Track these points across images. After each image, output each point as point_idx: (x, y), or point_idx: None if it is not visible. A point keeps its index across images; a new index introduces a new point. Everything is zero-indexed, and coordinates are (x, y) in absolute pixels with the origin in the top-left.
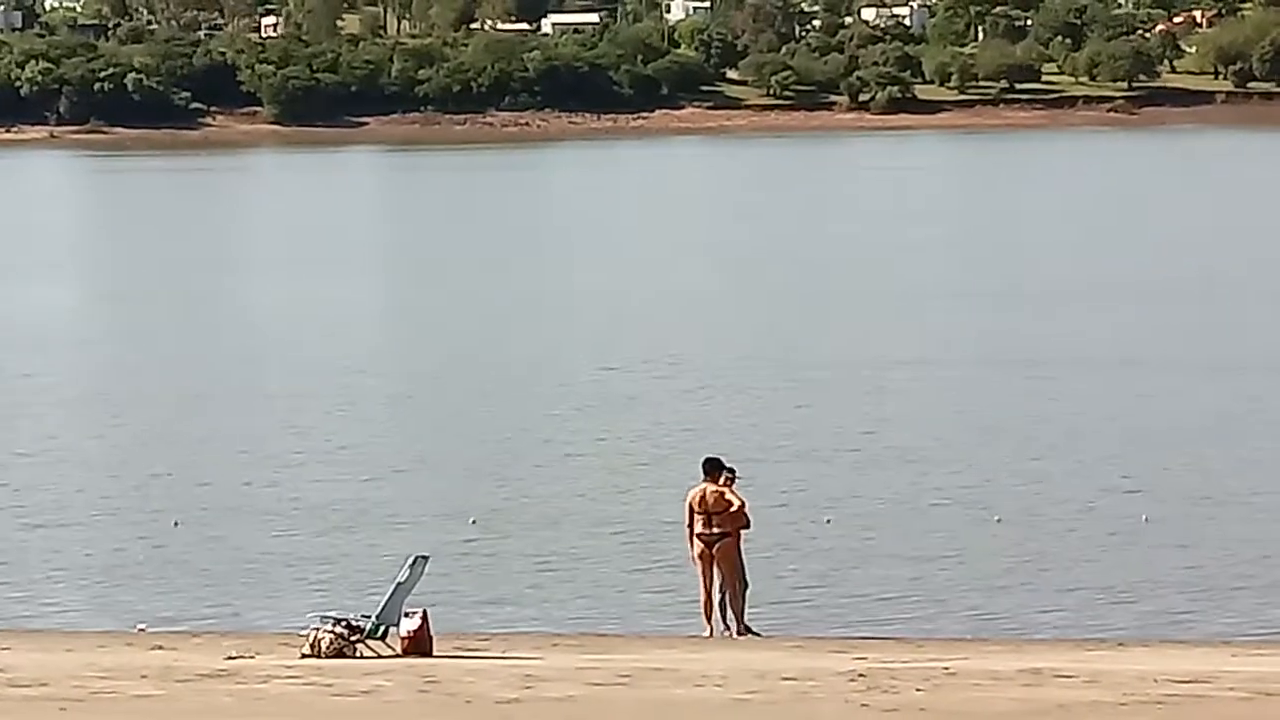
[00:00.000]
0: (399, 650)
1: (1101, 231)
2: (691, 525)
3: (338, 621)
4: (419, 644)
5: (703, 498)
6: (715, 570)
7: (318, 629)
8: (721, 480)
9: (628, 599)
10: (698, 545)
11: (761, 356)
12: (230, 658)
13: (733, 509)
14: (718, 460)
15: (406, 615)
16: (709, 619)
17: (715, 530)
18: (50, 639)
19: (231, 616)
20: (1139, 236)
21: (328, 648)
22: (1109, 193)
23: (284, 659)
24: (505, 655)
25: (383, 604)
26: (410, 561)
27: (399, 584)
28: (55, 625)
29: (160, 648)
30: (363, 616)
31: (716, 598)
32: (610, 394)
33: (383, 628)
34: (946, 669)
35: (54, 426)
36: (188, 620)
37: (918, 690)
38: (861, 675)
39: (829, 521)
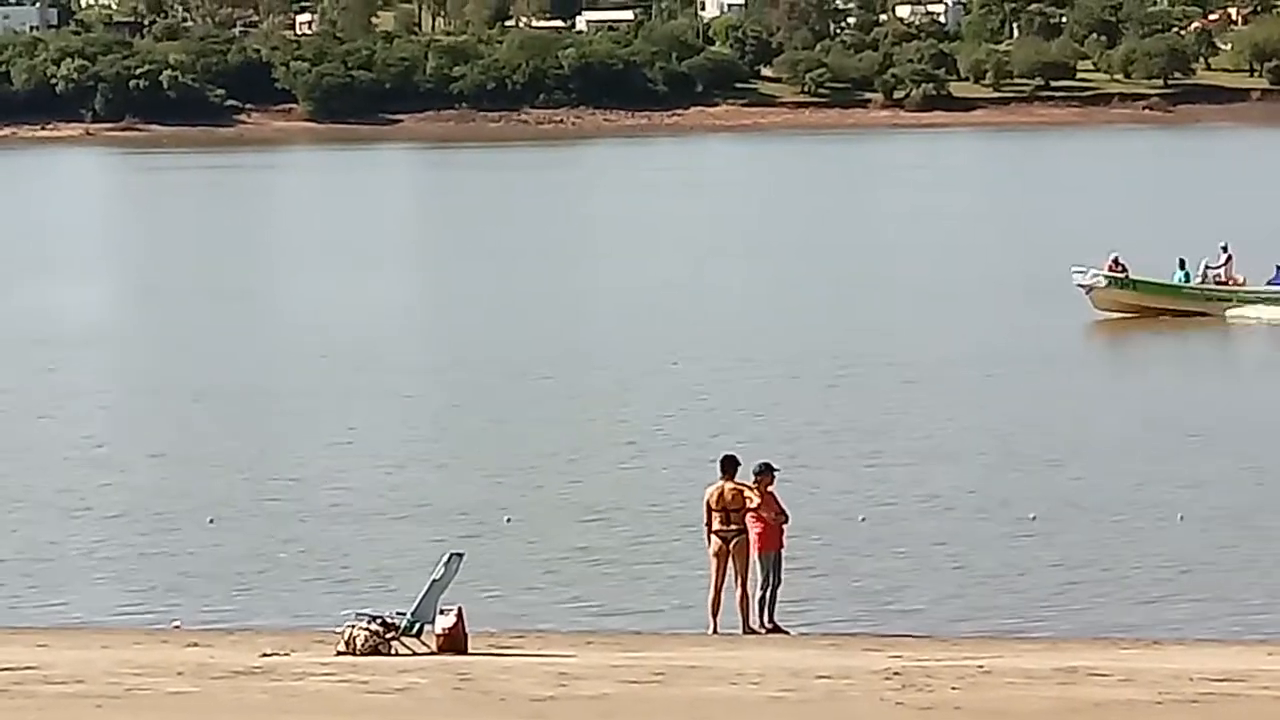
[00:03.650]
0: (434, 648)
1: (1135, 231)
2: (710, 523)
3: (373, 619)
4: (454, 641)
5: (721, 495)
6: (731, 566)
7: (353, 626)
8: (754, 477)
9: (663, 597)
10: (715, 542)
11: (799, 354)
12: (265, 655)
13: (751, 505)
14: (734, 458)
15: (442, 613)
16: (715, 616)
17: (733, 527)
18: (86, 636)
19: (267, 614)
20: (1175, 235)
21: (363, 645)
22: (1144, 191)
23: (319, 656)
24: (540, 653)
25: (418, 601)
26: (445, 559)
27: (434, 581)
28: (91, 622)
29: (196, 645)
30: (398, 614)
31: (749, 594)
32: (652, 390)
33: (418, 625)
34: (981, 667)
35: (90, 423)
36: (223, 617)
37: (952, 689)
38: (896, 673)
39: (863, 519)
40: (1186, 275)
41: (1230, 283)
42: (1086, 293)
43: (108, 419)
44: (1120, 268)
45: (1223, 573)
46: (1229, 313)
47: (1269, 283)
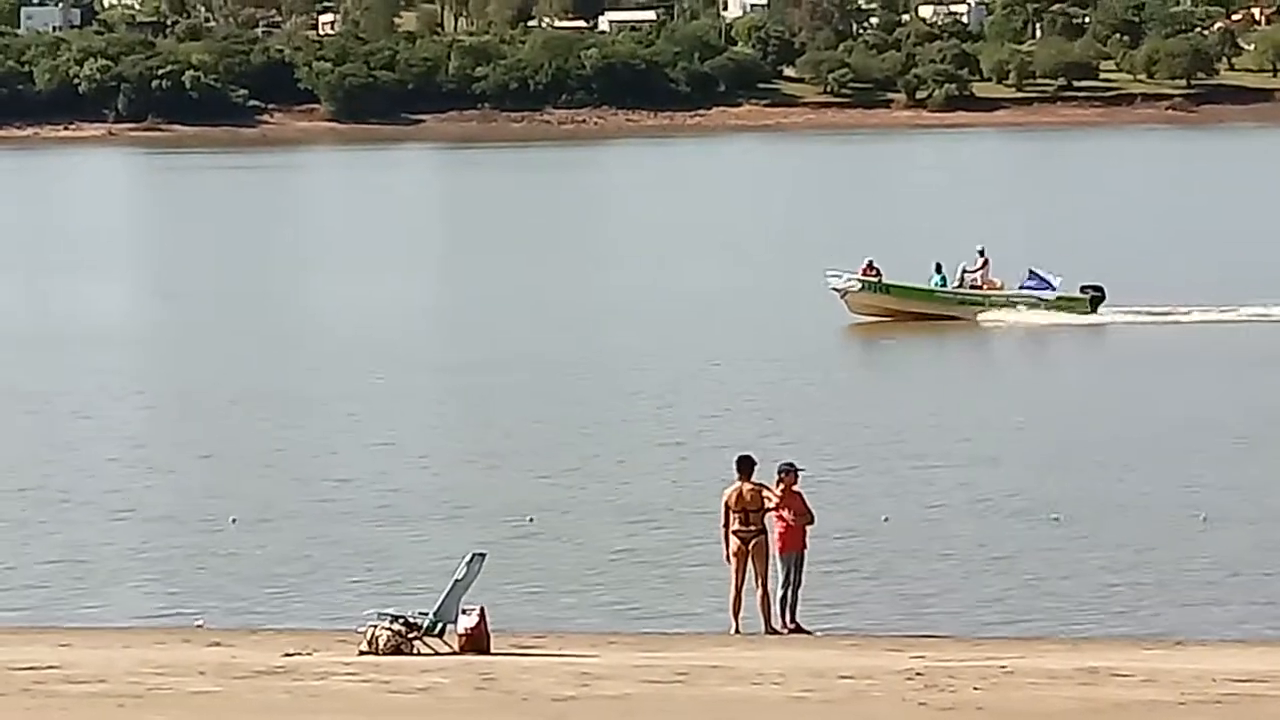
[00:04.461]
0: (456, 647)
1: (1169, 231)
2: (727, 524)
3: (395, 618)
4: (476, 641)
5: (740, 495)
6: (751, 566)
7: (375, 626)
8: (777, 476)
9: (684, 597)
10: (734, 543)
11: (818, 356)
12: (288, 654)
13: (770, 505)
14: (750, 458)
15: (464, 612)
16: (736, 616)
17: (752, 528)
18: (108, 635)
19: (289, 613)
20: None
21: (385, 645)
22: (1170, 191)
23: (341, 656)
24: (562, 653)
25: (440, 601)
26: (468, 559)
27: (456, 581)
28: (113, 622)
29: (218, 644)
30: (420, 614)
31: (770, 594)
32: (672, 392)
33: (440, 625)
34: (1003, 668)
35: (114, 423)
36: (246, 617)
37: (975, 689)
38: (919, 674)
39: (886, 520)
40: (943, 279)
41: (986, 287)
42: (841, 296)
43: (148, 420)
44: (874, 271)
45: (1245, 573)
46: (980, 316)
47: (1021, 286)
